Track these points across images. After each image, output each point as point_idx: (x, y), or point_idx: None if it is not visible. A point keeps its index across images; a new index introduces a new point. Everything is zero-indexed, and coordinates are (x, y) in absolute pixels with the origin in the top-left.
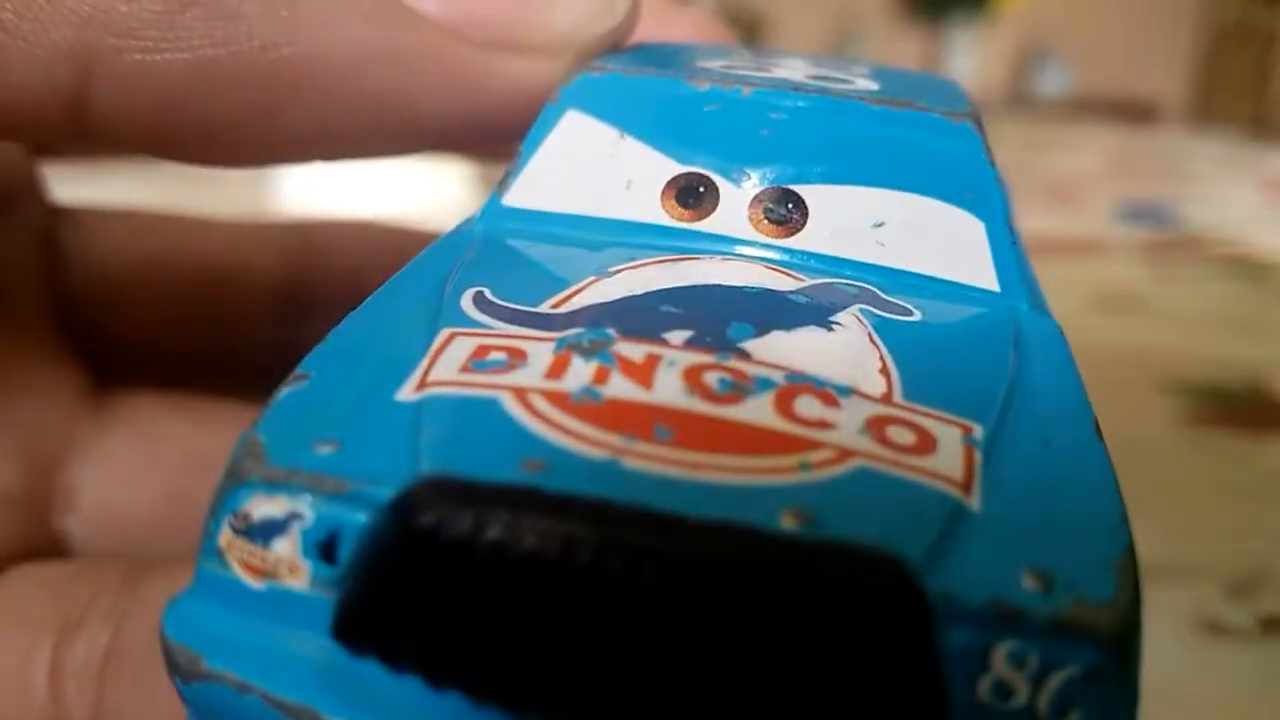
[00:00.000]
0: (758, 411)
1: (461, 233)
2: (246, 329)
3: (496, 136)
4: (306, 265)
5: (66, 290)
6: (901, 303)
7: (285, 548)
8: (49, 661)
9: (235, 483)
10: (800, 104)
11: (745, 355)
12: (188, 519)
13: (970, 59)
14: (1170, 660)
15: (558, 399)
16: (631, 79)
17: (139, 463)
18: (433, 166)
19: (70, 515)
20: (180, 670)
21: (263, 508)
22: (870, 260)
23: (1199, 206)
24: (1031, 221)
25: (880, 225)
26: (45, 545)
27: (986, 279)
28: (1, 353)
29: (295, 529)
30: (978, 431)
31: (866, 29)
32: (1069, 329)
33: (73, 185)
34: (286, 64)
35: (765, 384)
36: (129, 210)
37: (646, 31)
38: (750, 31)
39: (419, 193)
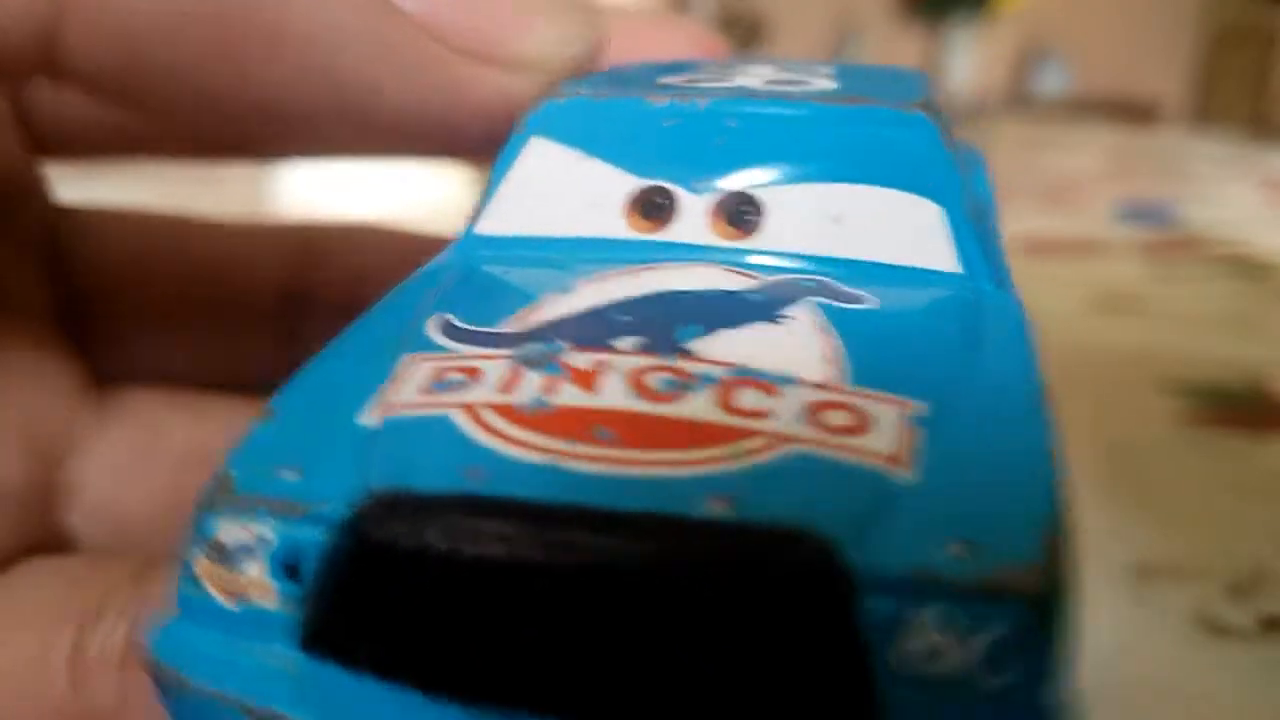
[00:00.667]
0: (698, 407)
1: (436, 264)
2: (248, 329)
3: (459, 147)
4: (308, 267)
5: (68, 288)
6: (857, 292)
7: (254, 570)
8: (69, 651)
9: (206, 511)
10: (754, 109)
11: (690, 355)
12: (187, 515)
13: (970, 59)
14: (1170, 660)
15: (506, 411)
16: (594, 102)
17: (139, 459)
18: (432, 169)
19: (73, 511)
20: (167, 688)
21: (232, 534)
22: (829, 253)
23: (1199, 206)
24: (1031, 221)
25: (838, 219)
26: (48, 540)
27: (948, 261)
28: (3, 349)
29: (261, 552)
30: (920, 409)
31: (866, 29)
32: (1069, 329)
33: (75, 185)
34: (261, 20)
35: (707, 380)
36: (131, 210)
37: (641, 46)
38: (750, 32)
39: (419, 195)
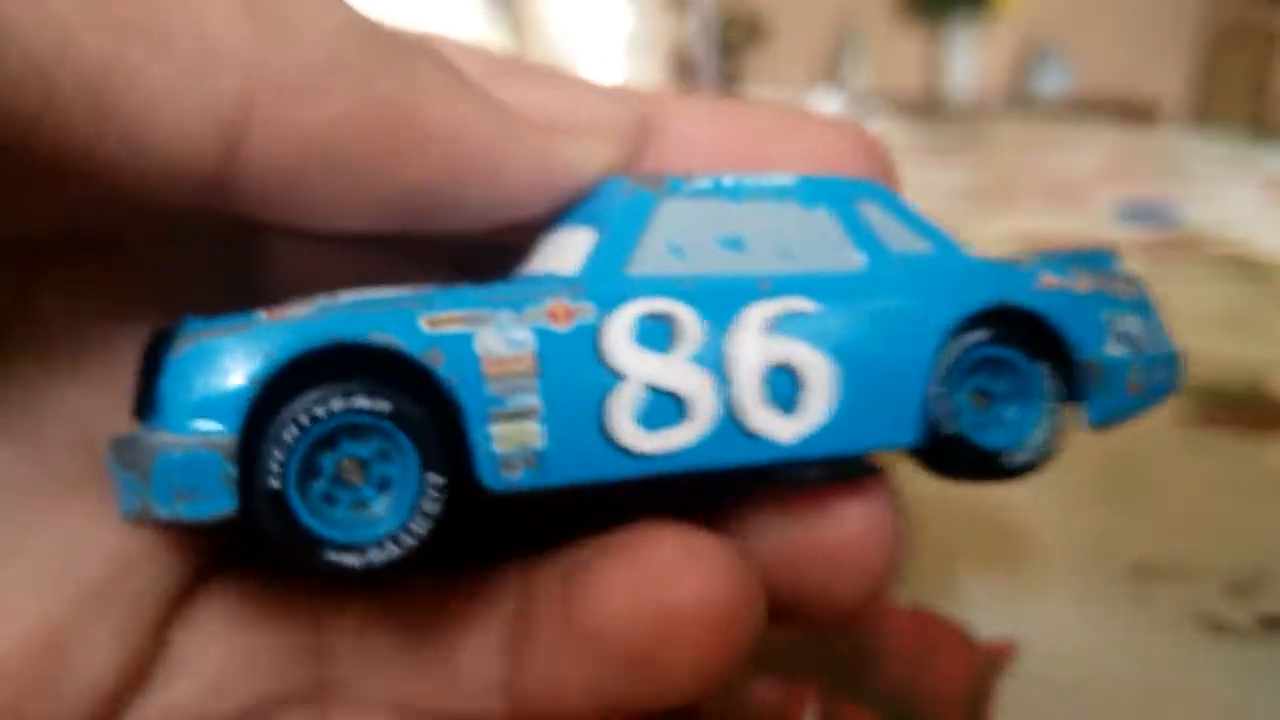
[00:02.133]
0: None
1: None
2: None
3: (545, 209)
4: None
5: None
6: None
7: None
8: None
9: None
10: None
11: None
12: None
13: (970, 59)
14: (1171, 658)
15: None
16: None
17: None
18: None
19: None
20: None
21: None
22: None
23: (1199, 206)
24: (1032, 221)
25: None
26: None
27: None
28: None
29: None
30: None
31: (866, 30)
32: None
33: None
34: (408, 120)
35: None
36: None
37: (778, 145)
38: (750, 32)
39: None
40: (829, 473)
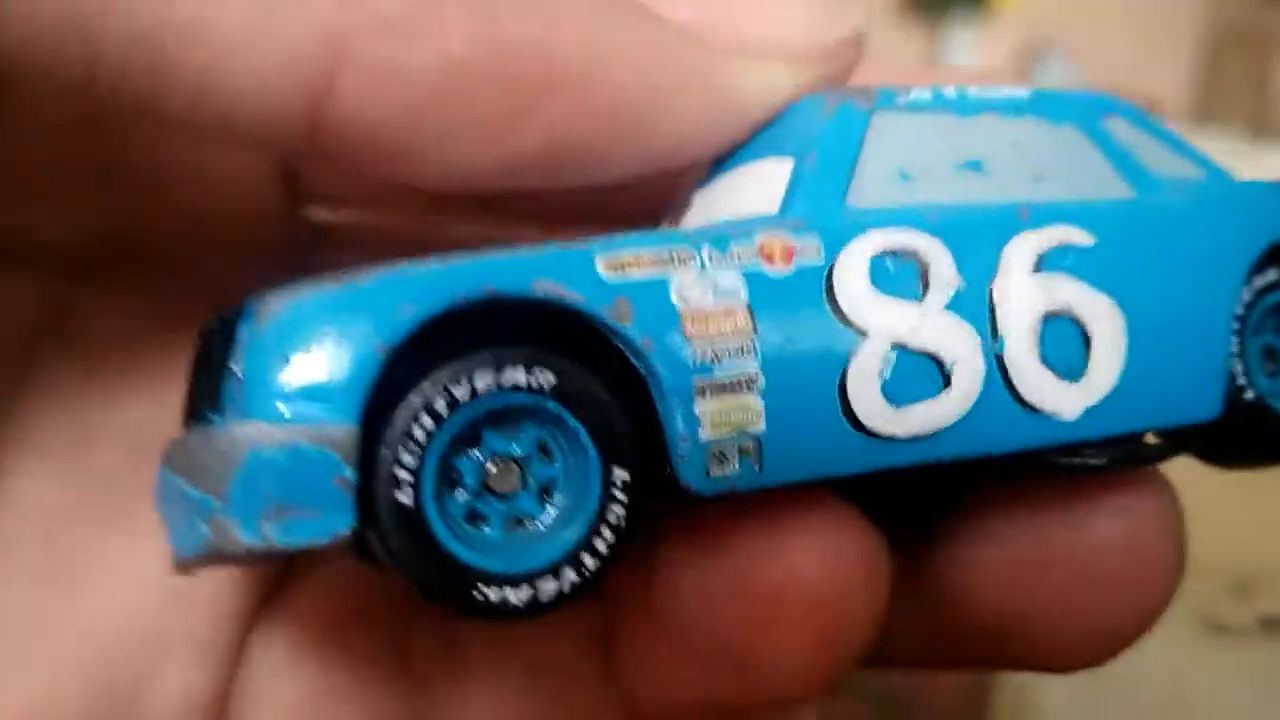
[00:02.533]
0: None
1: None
2: None
3: (719, 150)
4: None
5: None
6: None
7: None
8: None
9: None
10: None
11: None
12: None
13: (970, 58)
14: (1173, 658)
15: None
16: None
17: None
18: None
19: None
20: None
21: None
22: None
23: None
24: None
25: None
26: None
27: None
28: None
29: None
30: None
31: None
32: None
33: None
34: (532, 66)
35: None
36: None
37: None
38: None
39: None
40: (1111, 458)
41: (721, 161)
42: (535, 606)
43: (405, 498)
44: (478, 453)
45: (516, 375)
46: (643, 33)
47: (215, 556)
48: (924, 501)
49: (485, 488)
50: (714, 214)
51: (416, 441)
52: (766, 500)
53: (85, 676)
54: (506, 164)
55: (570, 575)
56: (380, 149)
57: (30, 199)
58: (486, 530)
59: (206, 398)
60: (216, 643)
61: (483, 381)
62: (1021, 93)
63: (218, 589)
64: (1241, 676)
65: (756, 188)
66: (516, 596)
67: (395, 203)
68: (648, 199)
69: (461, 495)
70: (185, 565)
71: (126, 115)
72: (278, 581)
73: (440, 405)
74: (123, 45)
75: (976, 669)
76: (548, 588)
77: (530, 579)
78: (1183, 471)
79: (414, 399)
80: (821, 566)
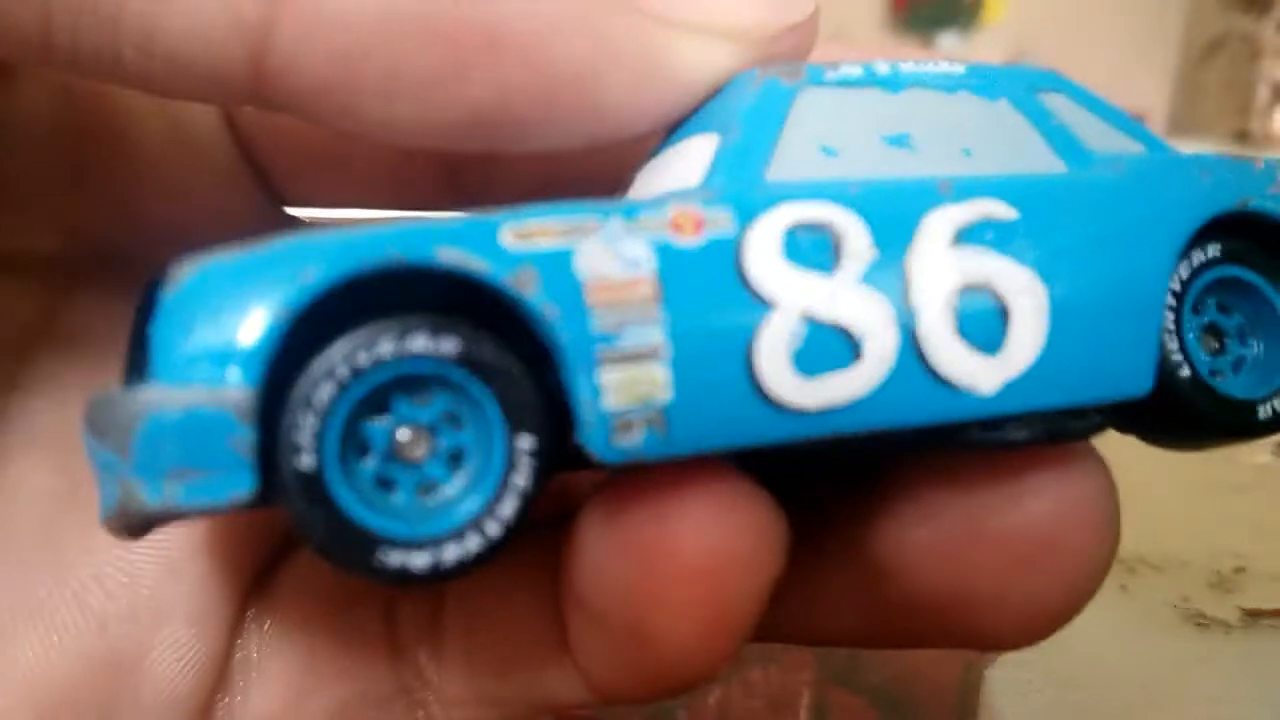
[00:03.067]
0: None
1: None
2: None
3: (660, 125)
4: None
5: None
6: None
7: None
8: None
9: None
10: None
11: None
12: None
13: None
14: (1155, 651)
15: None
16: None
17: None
18: None
19: None
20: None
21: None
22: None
23: None
24: None
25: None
26: None
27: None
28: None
29: None
30: None
31: (855, 40)
32: None
33: None
34: (479, 22)
35: None
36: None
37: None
38: None
39: None
40: (1034, 433)
41: (665, 137)
42: (437, 572)
43: (306, 463)
44: (387, 419)
45: (420, 342)
46: (588, 3)
47: (127, 516)
48: (855, 476)
49: (395, 454)
50: (650, 190)
51: (318, 407)
52: (664, 473)
53: (83, 649)
54: (451, 120)
55: (474, 541)
56: (319, 98)
57: (12, 204)
58: (395, 496)
59: (135, 366)
60: (212, 615)
61: (386, 348)
62: (957, 68)
63: (212, 563)
64: (1223, 670)
65: (685, 164)
66: (419, 561)
67: (369, 197)
68: (605, 185)
69: (371, 461)
70: (109, 525)
71: (87, 73)
72: (273, 556)
73: (343, 371)
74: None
75: (920, 647)
76: (450, 553)
77: (434, 544)
78: (1166, 468)
79: (316, 365)
80: (700, 539)
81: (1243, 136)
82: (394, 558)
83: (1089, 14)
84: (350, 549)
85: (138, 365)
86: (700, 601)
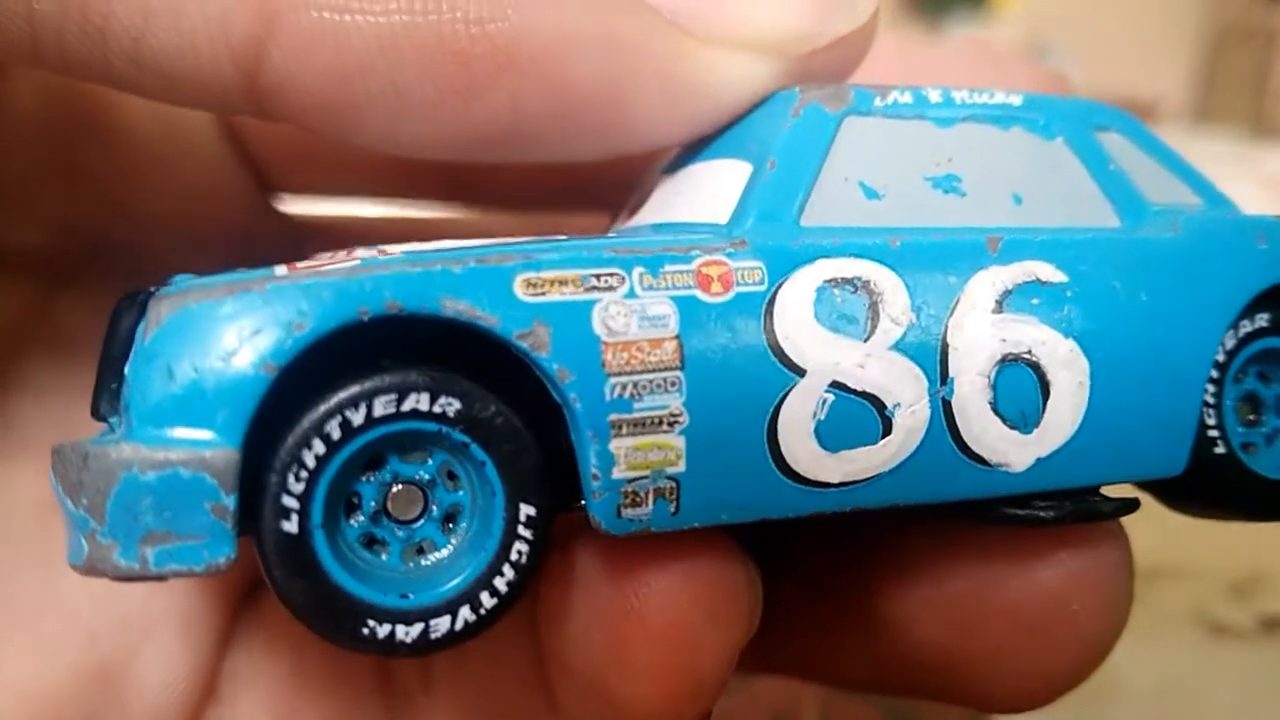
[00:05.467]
0: None
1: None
2: None
3: (685, 139)
4: None
5: None
6: None
7: None
8: None
9: None
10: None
11: None
12: None
13: None
14: (1172, 659)
15: None
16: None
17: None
18: None
19: None
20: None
21: None
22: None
23: None
24: None
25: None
26: None
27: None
28: None
29: None
30: None
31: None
32: None
33: None
34: (489, 42)
35: None
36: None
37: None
38: None
39: None
40: (1063, 514)
41: (689, 151)
42: (425, 644)
43: (290, 526)
44: (380, 475)
45: (419, 402)
46: (612, 17)
47: (94, 571)
48: (866, 530)
49: (386, 511)
50: (669, 210)
51: (306, 468)
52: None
53: (74, 655)
54: (461, 137)
55: (466, 614)
56: (319, 112)
57: (7, 204)
58: (384, 556)
59: (108, 396)
60: (201, 627)
61: (382, 408)
62: (1014, 99)
63: (201, 579)
64: (1240, 677)
65: (712, 190)
66: (407, 634)
67: (364, 188)
68: (619, 182)
69: (359, 519)
70: (76, 570)
71: (81, 77)
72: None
73: (334, 431)
74: (51, 7)
75: (922, 699)
76: (440, 625)
77: (424, 616)
78: None
79: (305, 423)
80: (665, 602)
81: (1260, 125)
82: (382, 629)
83: (1106, 2)
84: (335, 618)
85: (111, 398)
86: (664, 664)
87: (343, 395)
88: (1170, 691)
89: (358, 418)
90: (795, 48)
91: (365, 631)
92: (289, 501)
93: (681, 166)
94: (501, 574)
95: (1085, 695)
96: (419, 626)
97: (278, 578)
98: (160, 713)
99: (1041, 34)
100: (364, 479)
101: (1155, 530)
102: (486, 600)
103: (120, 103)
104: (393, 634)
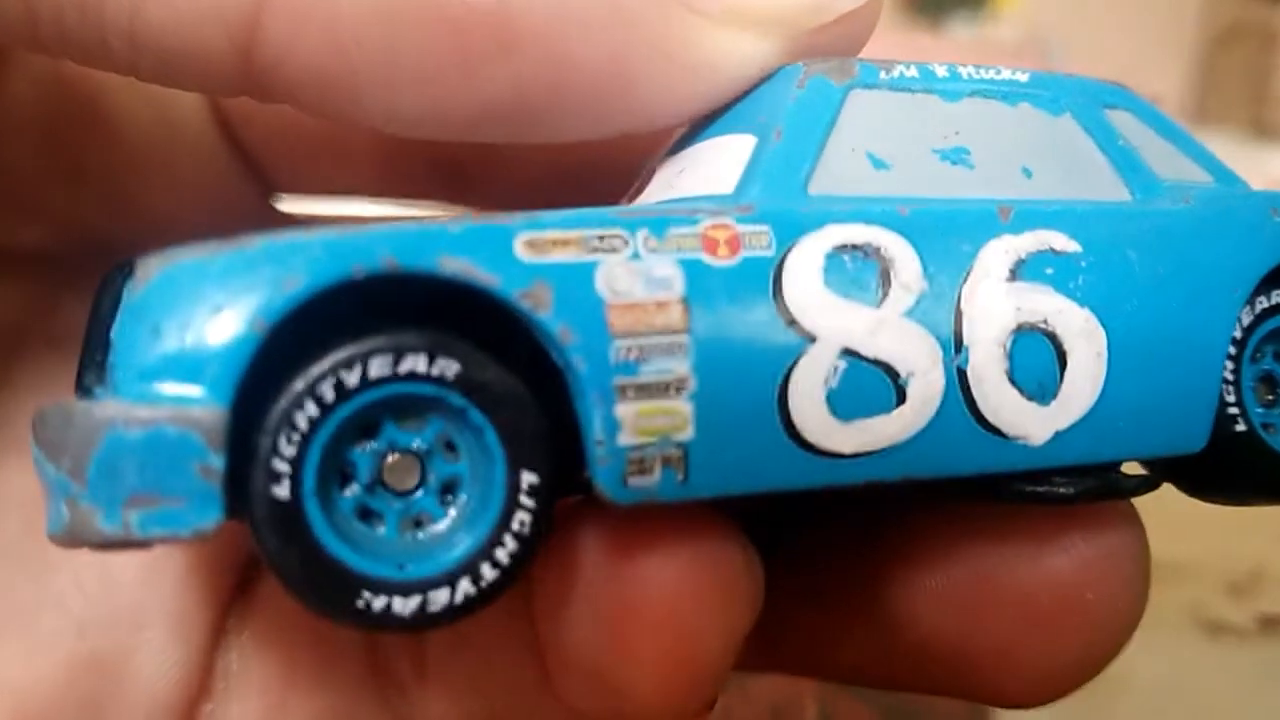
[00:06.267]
0: None
1: None
2: None
3: (687, 118)
4: None
5: None
6: None
7: None
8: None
9: None
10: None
11: None
12: None
13: None
14: (1171, 658)
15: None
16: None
17: None
18: None
19: None
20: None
21: None
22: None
23: None
24: None
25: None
26: None
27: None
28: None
29: None
30: None
31: None
32: None
33: None
34: (489, 14)
35: None
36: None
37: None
38: None
39: None
40: (1083, 490)
41: (693, 129)
42: (422, 619)
43: (282, 491)
44: (375, 444)
45: (417, 363)
46: None
47: (76, 540)
48: (874, 514)
49: (381, 482)
50: (673, 190)
51: (298, 430)
52: (635, 515)
53: (66, 650)
54: (460, 113)
55: (466, 586)
56: (317, 90)
57: (5, 203)
58: (380, 529)
59: (93, 366)
60: (193, 620)
61: (378, 369)
62: (1020, 76)
63: (193, 568)
64: (1239, 676)
65: (718, 165)
66: (403, 606)
67: (362, 185)
68: (623, 177)
69: (354, 490)
70: (57, 541)
71: (79, 60)
72: (254, 561)
73: (327, 392)
74: None
75: (929, 693)
76: (439, 599)
77: (422, 588)
78: None
79: (298, 384)
80: (665, 591)
81: (1260, 126)
82: (377, 601)
83: (1104, 3)
84: (328, 590)
85: (96, 367)
86: (665, 653)
87: (337, 356)
88: (1169, 690)
89: (352, 378)
90: (801, 23)
91: (360, 604)
92: (280, 465)
93: (682, 148)
94: (503, 544)
95: (1083, 692)
96: (416, 599)
97: (270, 547)
98: (154, 707)
99: (1041, 34)
100: (358, 448)
101: (1153, 529)
102: (488, 572)
103: (119, 100)
104: (389, 607)
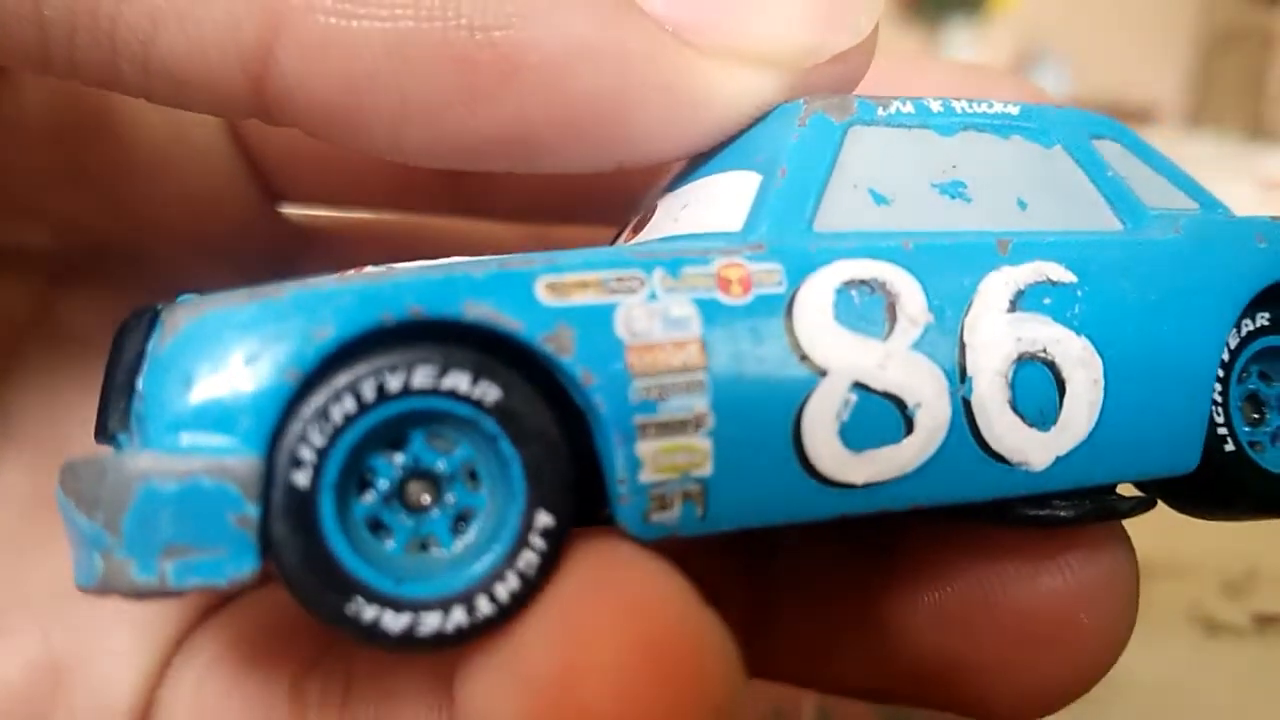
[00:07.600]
0: None
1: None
2: None
3: (687, 152)
4: None
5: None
6: None
7: None
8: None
9: None
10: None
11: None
12: None
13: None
14: (1167, 656)
15: None
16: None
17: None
18: None
19: None
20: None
21: None
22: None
23: None
24: None
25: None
26: None
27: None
28: None
29: None
30: None
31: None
32: None
33: None
34: (495, 50)
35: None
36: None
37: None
38: None
39: None
40: (1082, 512)
41: (695, 163)
42: (408, 640)
43: (302, 479)
44: (400, 457)
45: (460, 381)
46: (618, 29)
47: (108, 590)
48: (874, 533)
49: (398, 498)
50: (677, 224)
51: (332, 422)
52: (568, 591)
53: (30, 653)
54: (465, 144)
55: (459, 616)
56: (325, 120)
57: (11, 205)
58: (387, 544)
59: (116, 413)
60: (153, 632)
61: (421, 379)
62: (1011, 109)
63: None
64: (1235, 675)
65: (722, 201)
66: (393, 622)
67: (368, 197)
68: (622, 195)
69: (370, 498)
70: (88, 592)
71: (89, 83)
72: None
73: (368, 392)
74: (60, 13)
75: (926, 707)
76: (429, 622)
77: (414, 607)
78: None
79: (340, 378)
80: (605, 675)
81: (1256, 127)
82: (368, 610)
83: (1101, 4)
84: (323, 588)
85: (119, 415)
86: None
87: (384, 359)
88: (1166, 689)
89: (395, 383)
90: (798, 61)
91: (350, 610)
92: (306, 453)
93: (684, 183)
94: (504, 581)
95: None
96: (407, 618)
97: (276, 532)
98: (107, 713)
99: (1038, 37)
100: (383, 457)
101: (1150, 529)
102: (484, 606)
103: (126, 105)
104: (378, 620)
